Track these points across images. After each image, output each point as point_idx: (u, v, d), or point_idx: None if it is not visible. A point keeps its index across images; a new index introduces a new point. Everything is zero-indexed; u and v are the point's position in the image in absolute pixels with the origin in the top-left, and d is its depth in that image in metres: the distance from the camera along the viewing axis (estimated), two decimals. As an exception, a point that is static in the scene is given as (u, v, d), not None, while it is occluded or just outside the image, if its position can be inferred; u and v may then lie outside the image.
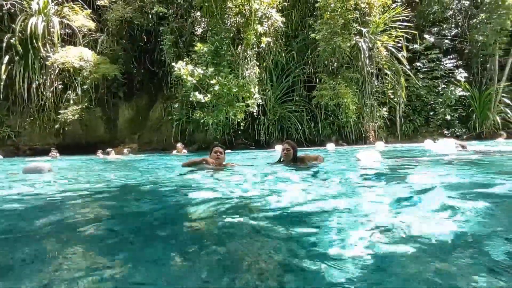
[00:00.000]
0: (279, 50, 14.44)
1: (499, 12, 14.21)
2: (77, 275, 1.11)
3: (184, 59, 12.78)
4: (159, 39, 14.90)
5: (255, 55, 13.51)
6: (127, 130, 16.25)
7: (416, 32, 15.66)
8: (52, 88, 14.23)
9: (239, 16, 13.11)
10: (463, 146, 6.74)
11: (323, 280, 1.03)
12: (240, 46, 13.32)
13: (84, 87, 14.00)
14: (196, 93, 11.96)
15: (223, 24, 13.17)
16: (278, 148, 8.94)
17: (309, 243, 1.39)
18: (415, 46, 16.15)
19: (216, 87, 11.91)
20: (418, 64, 16.56)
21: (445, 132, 16.07)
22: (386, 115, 15.34)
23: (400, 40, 14.86)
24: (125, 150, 11.43)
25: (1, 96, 13.88)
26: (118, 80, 14.98)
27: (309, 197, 2.35)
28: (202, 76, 12.07)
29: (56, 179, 4.15)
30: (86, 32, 15.20)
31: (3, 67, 13.81)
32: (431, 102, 16.37)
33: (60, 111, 13.92)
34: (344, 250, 1.28)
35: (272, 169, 4.41)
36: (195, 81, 11.94)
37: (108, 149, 10.51)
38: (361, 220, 1.69)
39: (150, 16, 15.53)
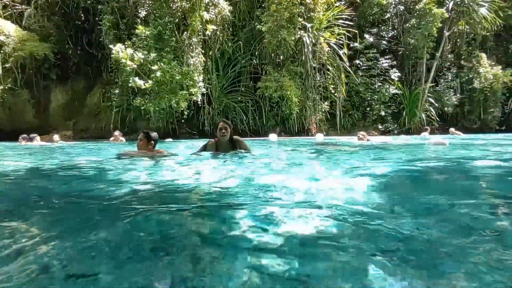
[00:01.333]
0: (226, 39, 14.33)
1: (427, 19, 15.60)
2: None
3: (126, 42, 12.10)
4: (97, 19, 13.87)
5: (200, 43, 13.25)
6: (61, 116, 14.98)
7: (357, 32, 16.57)
8: (-37, 65, 12.52)
9: (185, 1, 12.69)
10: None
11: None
12: (185, 32, 12.95)
13: (7, 65, 12.52)
14: (136, 79, 11.42)
15: (167, 8, 12.67)
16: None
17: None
18: (356, 44, 17.10)
19: (158, 73, 11.48)
20: (357, 62, 17.58)
21: (379, 127, 17.40)
22: (328, 109, 16.11)
23: (342, 38, 15.62)
24: (55, 137, 10.52)
25: None
26: (49, 61, 13.66)
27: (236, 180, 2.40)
28: (143, 61, 11.53)
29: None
30: (7, 3, 13.53)
31: None
32: (368, 98, 17.53)
33: (-25, 92, 12.36)
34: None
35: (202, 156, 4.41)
36: (135, 66, 11.38)
37: (32, 135, 9.57)
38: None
39: (88, -8, 14.36)
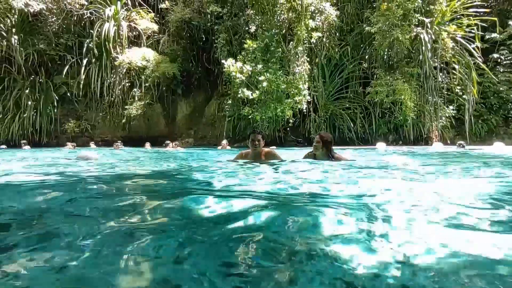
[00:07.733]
0: (333, 45, 13.93)
1: None
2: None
3: (238, 57, 13.12)
4: (213, 38, 15.52)
5: (306, 51, 13.25)
6: (185, 126, 17.27)
7: (496, 19, 13.73)
8: (120, 86, 15.81)
9: (291, 11, 12.97)
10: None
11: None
12: (292, 42, 13.20)
13: (146, 84, 15.27)
14: (245, 90, 12.21)
15: (274, 21, 13.18)
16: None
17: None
18: (494, 35, 14.18)
19: (265, 84, 12.00)
20: (496, 56, 14.53)
21: (530, 134, 13.90)
22: (453, 114, 13.78)
23: (473, 29, 13.18)
24: (173, 144, 12.33)
25: (81, 93, 15.93)
26: (177, 78, 15.98)
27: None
28: (251, 72, 12.26)
29: (97, 164, 4.72)
30: (150, 34, 16.51)
31: (83, 68, 15.80)
32: (513, 99, 14.27)
33: (126, 107, 15.44)
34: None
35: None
36: (243, 78, 12.19)
37: (148, 143, 13.04)
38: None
39: (208, 16, 16.29)
